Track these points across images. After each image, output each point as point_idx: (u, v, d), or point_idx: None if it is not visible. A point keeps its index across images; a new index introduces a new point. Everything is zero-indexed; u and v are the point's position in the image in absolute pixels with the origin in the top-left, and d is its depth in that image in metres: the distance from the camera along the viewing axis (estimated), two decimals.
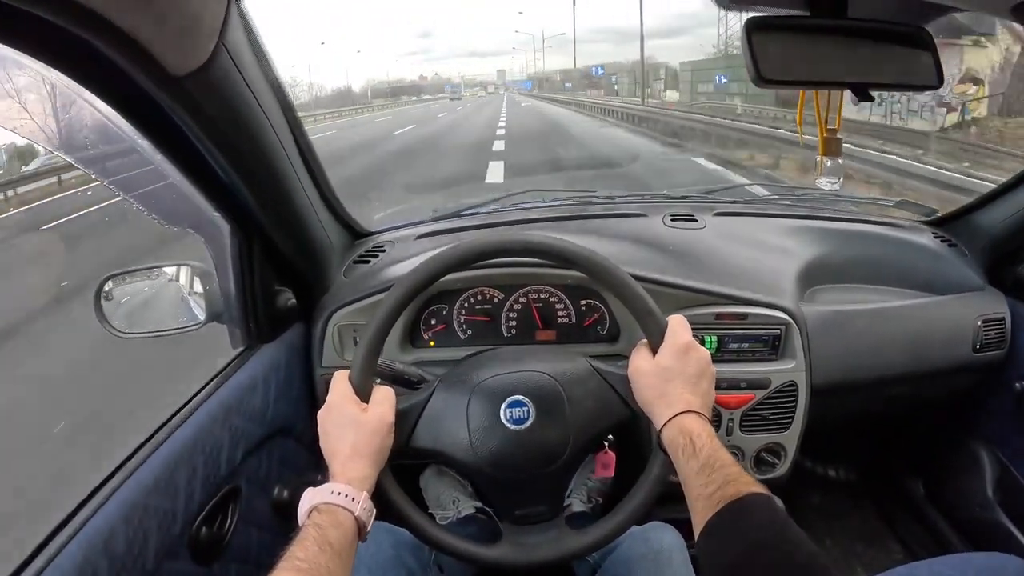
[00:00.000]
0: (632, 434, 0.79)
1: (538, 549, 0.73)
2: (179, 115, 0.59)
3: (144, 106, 0.58)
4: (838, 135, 0.80)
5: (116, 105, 0.59)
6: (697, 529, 0.57)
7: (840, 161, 0.82)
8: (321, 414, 0.67)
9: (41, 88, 0.62)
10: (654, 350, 0.69)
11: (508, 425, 0.70)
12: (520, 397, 0.71)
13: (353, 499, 0.60)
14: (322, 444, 0.67)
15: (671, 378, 0.66)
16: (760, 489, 0.56)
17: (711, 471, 0.58)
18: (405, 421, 0.71)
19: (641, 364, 0.69)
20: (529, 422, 0.71)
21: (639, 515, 0.71)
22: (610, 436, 0.83)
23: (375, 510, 0.63)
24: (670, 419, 0.64)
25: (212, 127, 0.63)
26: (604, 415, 0.73)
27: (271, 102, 0.72)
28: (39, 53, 0.51)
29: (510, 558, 0.72)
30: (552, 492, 0.77)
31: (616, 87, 42.27)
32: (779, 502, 0.56)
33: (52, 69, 0.54)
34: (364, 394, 0.68)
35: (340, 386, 0.68)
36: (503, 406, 0.71)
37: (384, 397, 0.69)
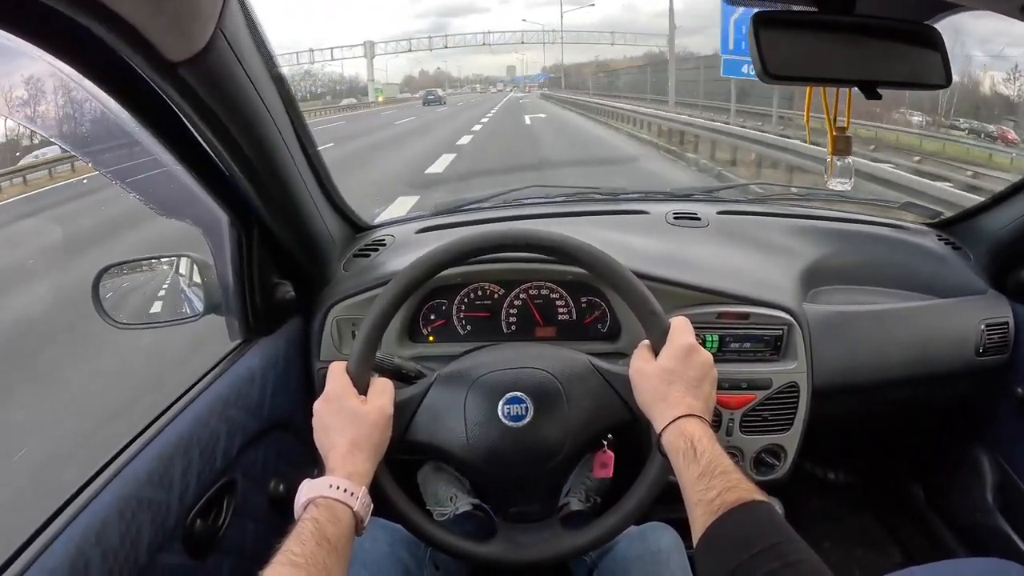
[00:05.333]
0: (632, 433, 0.79)
1: (532, 548, 0.72)
2: (176, 103, 0.58)
3: (141, 93, 0.58)
4: (847, 134, 0.78)
5: (112, 92, 0.58)
6: (696, 535, 0.56)
7: (850, 160, 0.81)
8: (318, 405, 0.66)
9: (37, 76, 0.61)
10: (656, 351, 0.68)
11: (505, 422, 0.70)
12: (519, 394, 0.70)
13: (352, 494, 0.59)
14: (318, 437, 0.66)
15: (673, 380, 0.65)
16: (761, 496, 0.55)
17: (712, 477, 0.57)
18: (402, 414, 0.70)
19: (642, 365, 0.68)
20: (527, 419, 0.70)
21: (635, 517, 0.71)
22: (609, 436, 0.82)
23: (372, 505, 0.62)
24: (671, 422, 0.63)
25: (209, 115, 0.62)
26: (603, 415, 0.73)
27: (270, 92, 0.71)
28: (34, 38, 0.50)
29: (504, 556, 0.72)
30: (547, 491, 0.77)
31: None
32: (780, 508, 0.55)
33: (48, 55, 0.53)
34: (362, 386, 0.67)
35: (338, 378, 0.67)
36: (501, 402, 0.70)
37: (383, 389, 0.68)
